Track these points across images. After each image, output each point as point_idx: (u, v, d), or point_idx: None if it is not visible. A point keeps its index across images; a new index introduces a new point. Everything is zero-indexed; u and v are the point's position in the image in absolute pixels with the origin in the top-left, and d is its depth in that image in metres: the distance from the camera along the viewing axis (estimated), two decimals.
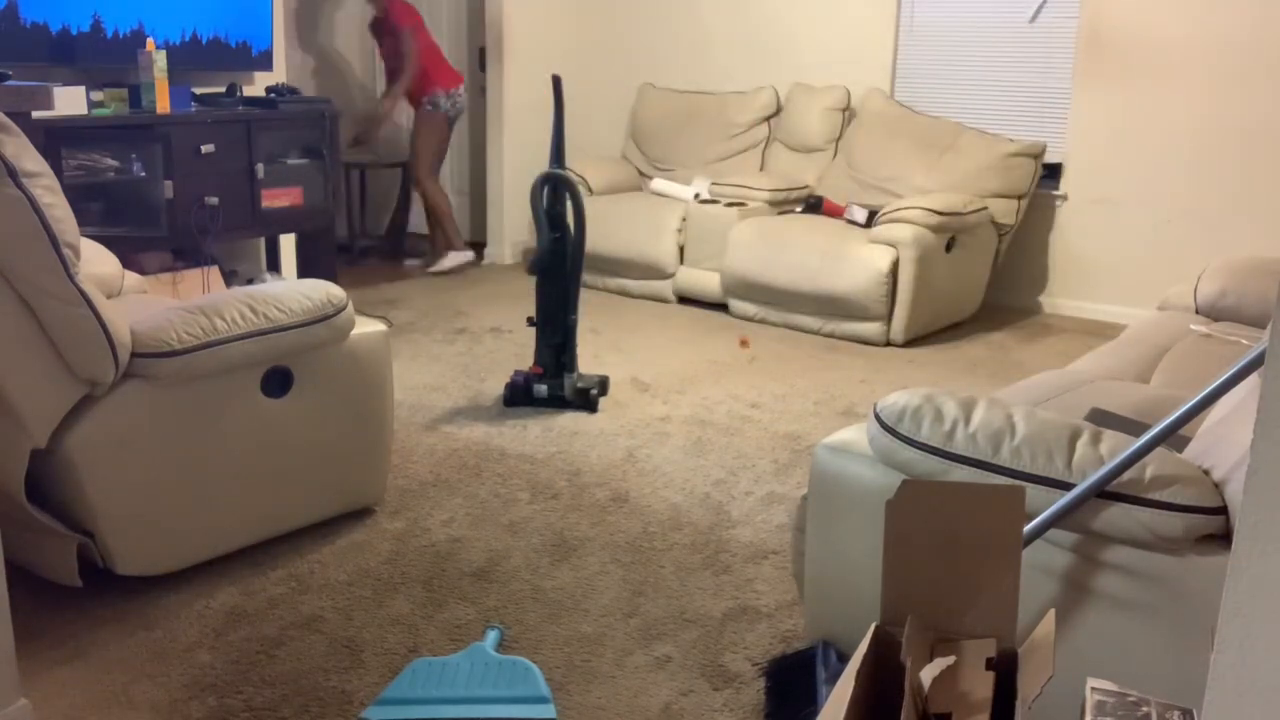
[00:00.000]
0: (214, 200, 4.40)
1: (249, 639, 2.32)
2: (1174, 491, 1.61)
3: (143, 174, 4.28)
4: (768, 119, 5.89)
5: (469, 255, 6.16)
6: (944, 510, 1.43)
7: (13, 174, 2.04)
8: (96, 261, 3.02)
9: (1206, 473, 1.67)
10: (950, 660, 1.31)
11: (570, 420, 3.68)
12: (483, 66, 6.50)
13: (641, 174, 6.19)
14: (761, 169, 5.82)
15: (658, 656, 2.29)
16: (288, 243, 5.19)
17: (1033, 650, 1.34)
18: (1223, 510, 1.61)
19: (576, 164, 5.89)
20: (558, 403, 3.79)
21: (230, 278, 4.82)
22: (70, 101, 3.98)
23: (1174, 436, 2.01)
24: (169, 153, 4.25)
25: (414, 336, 4.69)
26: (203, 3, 4.62)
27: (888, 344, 4.77)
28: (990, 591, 1.41)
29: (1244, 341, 2.96)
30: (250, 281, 4.92)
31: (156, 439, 2.37)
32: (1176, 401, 2.41)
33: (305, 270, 5.20)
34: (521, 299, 5.42)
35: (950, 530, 1.42)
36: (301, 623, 2.38)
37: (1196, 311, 3.36)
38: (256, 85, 4.95)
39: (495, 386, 4.03)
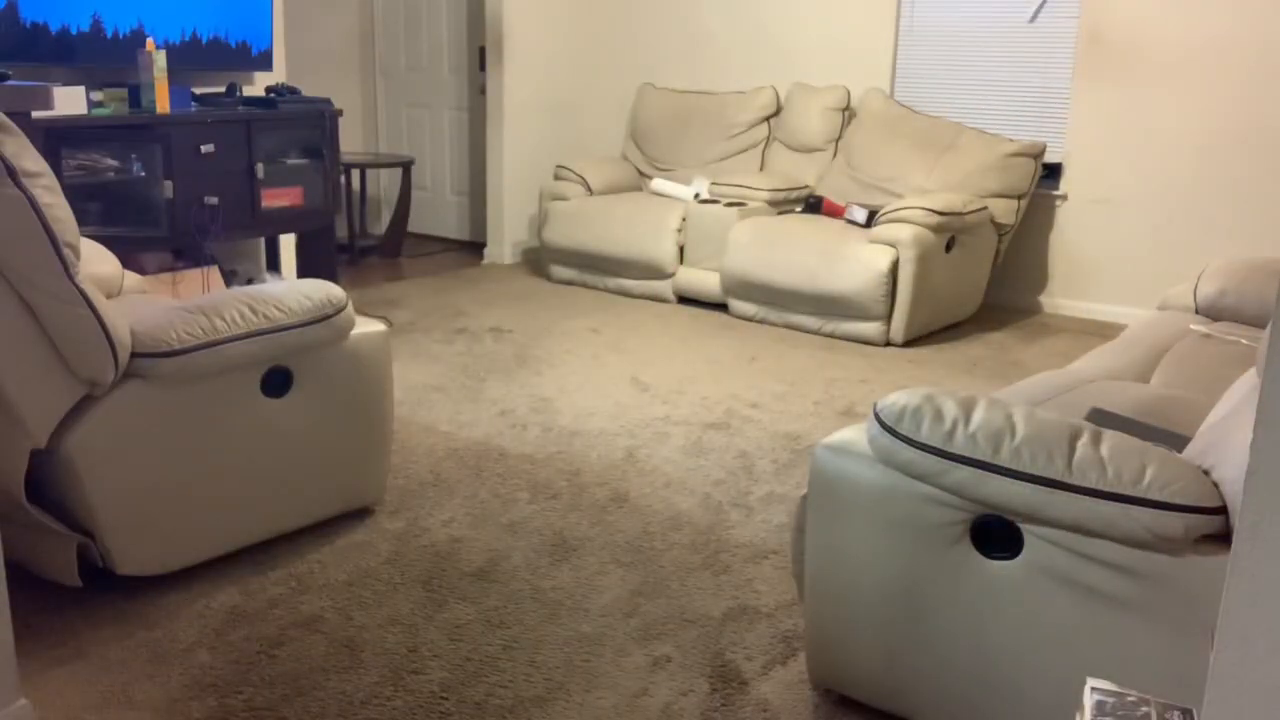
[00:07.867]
0: (214, 200, 4.40)
1: (249, 639, 2.32)
2: (1174, 491, 1.61)
3: (143, 174, 4.28)
4: (768, 119, 5.89)
5: None
6: None
7: (13, 174, 2.04)
8: (96, 261, 3.02)
9: (1206, 473, 1.67)
10: None
11: (570, 420, 3.68)
12: (483, 66, 6.50)
13: (641, 174, 6.19)
14: (761, 169, 5.82)
15: (658, 656, 2.29)
16: (288, 243, 5.20)
17: None
18: (1223, 510, 1.61)
19: (576, 164, 5.90)
20: None
21: (230, 278, 4.83)
22: (70, 101, 3.98)
23: (1174, 436, 2.01)
24: (169, 153, 4.24)
25: (414, 336, 4.69)
26: (203, 3, 4.62)
27: (887, 344, 4.77)
28: None
29: (1244, 341, 2.96)
30: (250, 281, 4.92)
31: (156, 439, 2.37)
32: (1177, 402, 2.41)
33: (305, 270, 5.21)
34: (522, 299, 5.42)
35: None
36: (301, 623, 2.38)
37: (1196, 311, 3.36)
38: (256, 85, 4.96)
39: (495, 386, 4.03)
